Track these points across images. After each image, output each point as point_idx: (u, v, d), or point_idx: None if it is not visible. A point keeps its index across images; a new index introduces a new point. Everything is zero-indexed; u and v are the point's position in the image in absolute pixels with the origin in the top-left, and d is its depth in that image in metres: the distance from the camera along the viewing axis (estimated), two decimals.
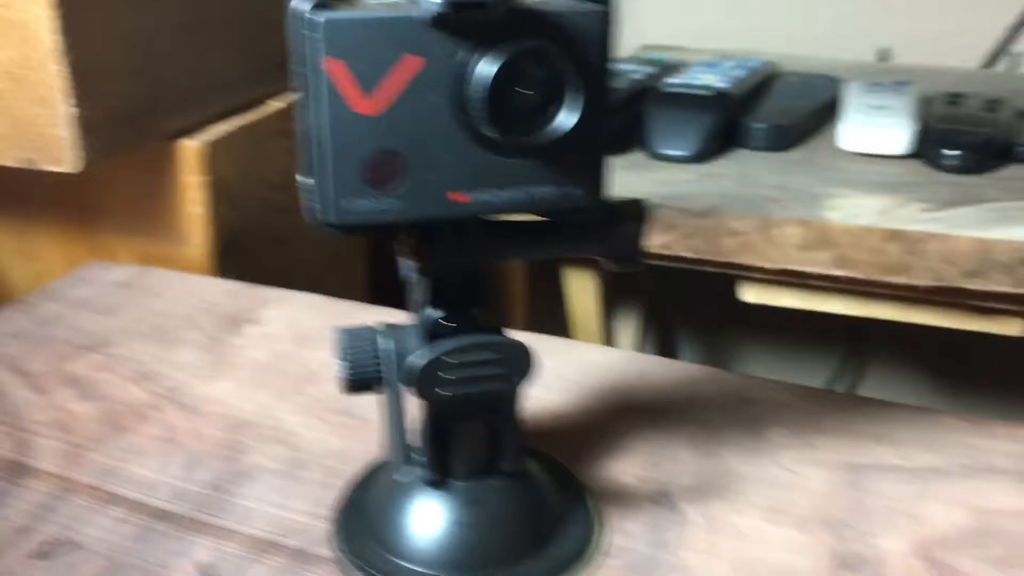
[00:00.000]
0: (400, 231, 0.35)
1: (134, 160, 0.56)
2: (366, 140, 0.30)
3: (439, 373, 0.34)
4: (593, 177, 0.33)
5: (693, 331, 1.19)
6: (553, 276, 0.88)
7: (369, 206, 0.31)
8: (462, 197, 0.32)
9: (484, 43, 0.30)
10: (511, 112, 0.30)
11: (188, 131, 0.57)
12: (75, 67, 0.47)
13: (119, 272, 0.58)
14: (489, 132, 0.30)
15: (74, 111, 0.48)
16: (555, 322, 0.93)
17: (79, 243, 0.61)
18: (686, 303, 1.17)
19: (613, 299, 1.06)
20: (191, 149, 0.55)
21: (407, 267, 0.38)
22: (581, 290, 0.88)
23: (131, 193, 0.58)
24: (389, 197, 0.31)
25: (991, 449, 0.43)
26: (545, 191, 0.32)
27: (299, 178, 0.32)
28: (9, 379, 0.48)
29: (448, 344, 0.34)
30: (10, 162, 0.51)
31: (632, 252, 0.37)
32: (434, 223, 0.34)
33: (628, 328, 1.09)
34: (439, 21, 0.29)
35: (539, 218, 0.35)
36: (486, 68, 0.29)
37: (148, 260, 0.60)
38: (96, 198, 0.59)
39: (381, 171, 0.31)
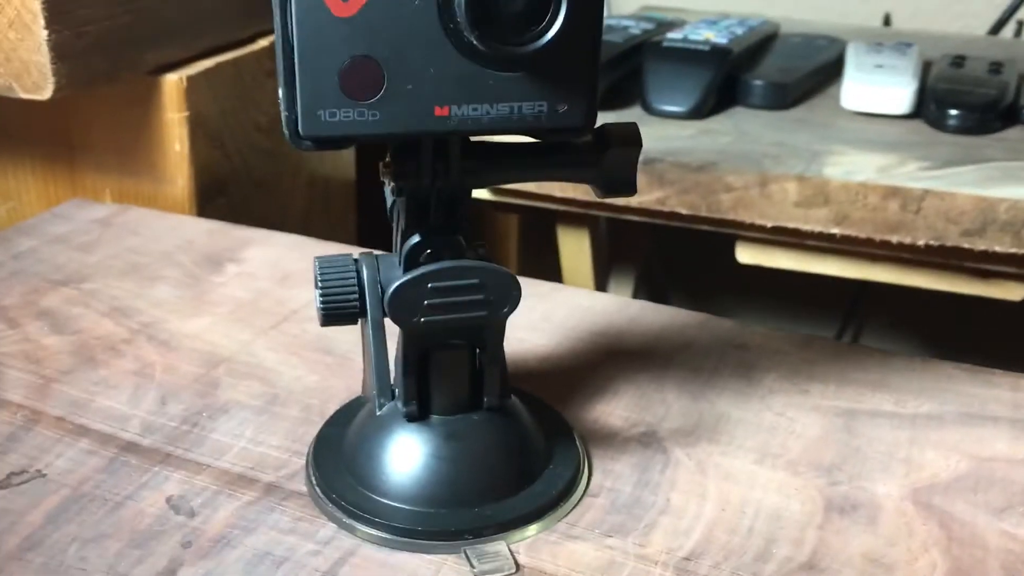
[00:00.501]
0: (384, 152, 0.34)
1: (115, 95, 0.54)
2: (343, 46, 0.29)
3: (418, 299, 0.33)
4: (583, 96, 0.31)
5: (689, 292, 1.18)
6: (547, 234, 0.86)
7: (345, 117, 0.30)
8: (443, 111, 0.30)
9: None
10: (494, 17, 0.28)
11: (171, 66, 0.55)
12: None
13: (98, 210, 0.56)
14: (471, 38, 0.28)
15: (47, 35, 0.46)
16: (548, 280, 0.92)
17: (60, 182, 0.59)
18: (682, 265, 1.16)
19: (608, 258, 1.05)
20: (172, 83, 0.54)
21: (389, 190, 0.36)
22: (575, 249, 0.87)
23: (112, 129, 0.56)
24: (366, 108, 0.30)
25: (990, 397, 0.41)
26: (532, 108, 0.31)
27: (279, 91, 0.31)
28: None
29: (428, 268, 0.33)
30: None
31: (625, 179, 0.35)
32: (414, 138, 0.32)
33: (622, 288, 1.07)
34: None
35: (528, 140, 0.34)
36: None
37: (130, 199, 0.58)
38: (77, 135, 0.57)
39: (358, 80, 0.29)
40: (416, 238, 0.34)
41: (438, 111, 0.30)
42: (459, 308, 0.33)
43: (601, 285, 0.93)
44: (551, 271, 0.89)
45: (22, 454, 0.37)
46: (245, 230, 0.55)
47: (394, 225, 0.36)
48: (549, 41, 0.29)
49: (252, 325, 0.46)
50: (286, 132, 0.30)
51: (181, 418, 0.40)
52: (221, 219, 0.58)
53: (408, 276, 0.33)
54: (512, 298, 0.34)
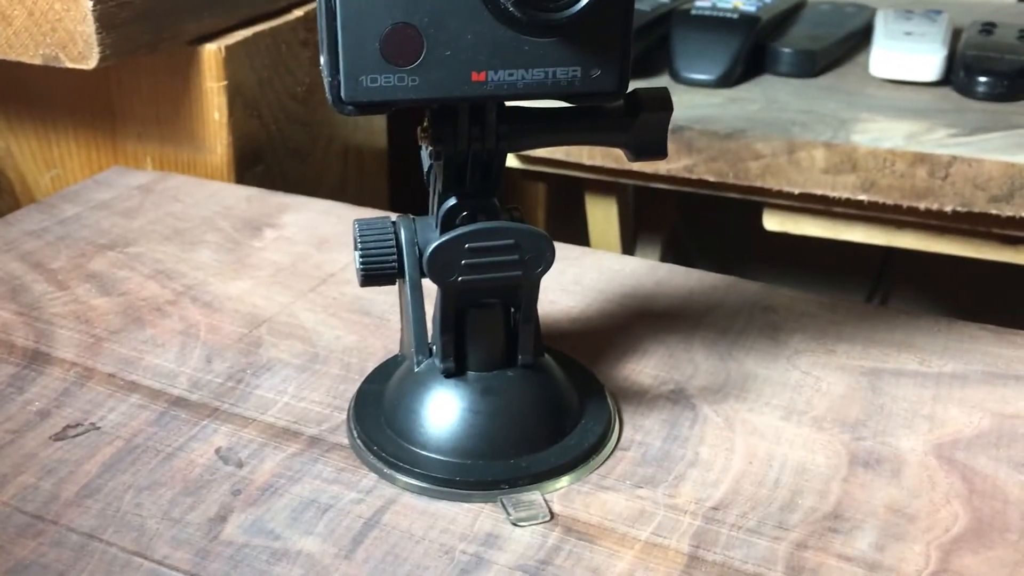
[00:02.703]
0: (421, 116, 0.35)
1: (155, 64, 0.56)
2: (384, 13, 0.30)
3: (456, 259, 0.34)
4: (616, 62, 0.32)
5: (715, 260, 1.19)
6: (574, 202, 0.87)
7: (386, 83, 0.31)
8: (480, 76, 0.31)
9: None
10: None
11: (209, 36, 0.56)
12: None
13: (139, 177, 0.58)
14: (507, 5, 0.29)
15: (92, 5, 0.47)
16: None
17: (102, 150, 0.61)
18: (709, 233, 1.16)
19: (635, 226, 1.05)
20: (211, 53, 0.55)
21: (427, 153, 0.37)
22: (603, 217, 0.88)
23: (153, 99, 0.58)
24: (406, 74, 0.31)
25: (1013, 357, 0.42)
26: (566, 73, 0.32)
27: (321, 58, 0.32)
28: (29, 274, 0.48)
29: (466, 229, 0.34)
30: (35, 59, 0.50)
31: (656, 143, 0.36)
32: (452, 103, 0.33)
33: (649, 255, 1.08)
34: None
35: (562, 106, 0.35)
36: None
37: (170, 166, 0.60)
38: (119, 104, 0.59)
39: (398, 46, 0.30)
40: (453, 200, 0.35)
41: (475, 76, 0.31)
42: (495, 268, 0.34)
43: (628, 252, 0.94)
44: (579, 240, 0.90)
45: (76, 408, 0.39)
46: (282, 196, 0.56)
47: (430, 188, 0.38)
48: (583, 8, 0.30)
49: (291, 288, 0.48)
50: (329, 97, 0.32)
51: (226, 375, 0.41)
52: (258, 186, 0.60)
53: (447, 237, 0.34)
54: (546, 258, 0.35)
